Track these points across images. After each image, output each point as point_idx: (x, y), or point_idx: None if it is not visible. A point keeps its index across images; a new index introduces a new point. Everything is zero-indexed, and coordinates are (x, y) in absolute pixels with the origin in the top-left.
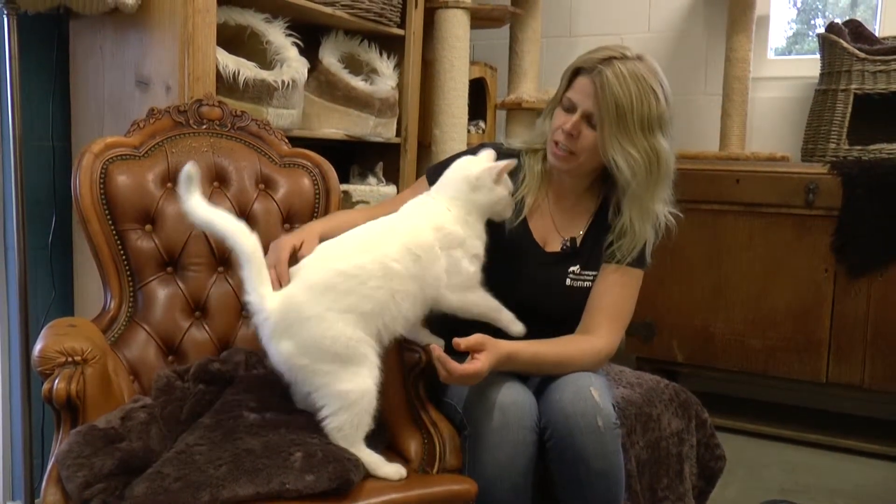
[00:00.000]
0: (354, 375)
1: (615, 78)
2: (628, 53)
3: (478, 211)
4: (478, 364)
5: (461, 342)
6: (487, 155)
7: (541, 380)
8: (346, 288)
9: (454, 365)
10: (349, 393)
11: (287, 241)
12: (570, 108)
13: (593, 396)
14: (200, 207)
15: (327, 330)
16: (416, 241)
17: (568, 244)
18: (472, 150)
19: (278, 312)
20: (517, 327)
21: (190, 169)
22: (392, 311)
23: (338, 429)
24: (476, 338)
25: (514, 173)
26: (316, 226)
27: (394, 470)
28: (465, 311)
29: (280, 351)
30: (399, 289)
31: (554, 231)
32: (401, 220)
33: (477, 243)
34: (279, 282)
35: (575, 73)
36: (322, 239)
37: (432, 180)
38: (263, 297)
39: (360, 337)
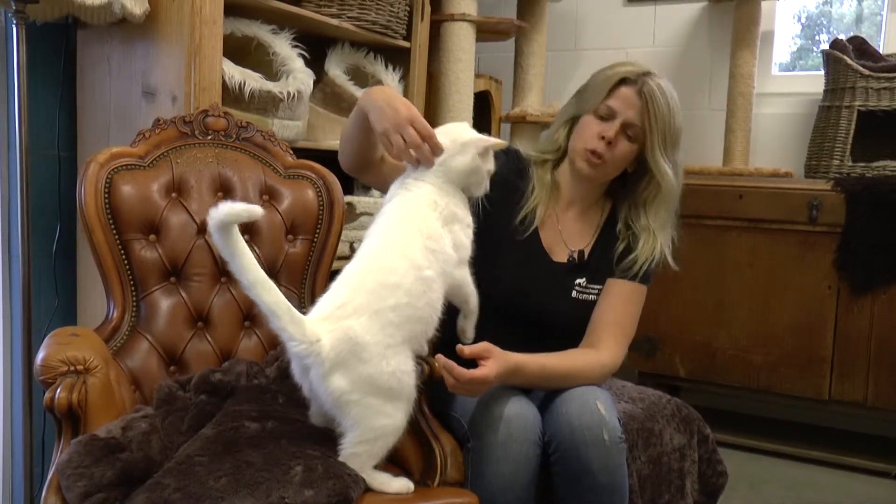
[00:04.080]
0: (395, 410)
1: (658, 91)
2: (653, 70)
3: (456, 177)
4: (485, 370)
5: (466, 349)
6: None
7: (545, 394)
8: (402, 318)
9: (461, 370)
10: (384, 427)
11: (415, 114)
12: (609, 117)
13: (599, 410)
14: (252, 269)
15: (386, 366)
16: (428, 232)
17: (574, 256)
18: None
19: (335, 351)
20: (471, 328)
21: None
22: (434, 320)
23: (355, 454)
24: (482, 345)
25: (524, 185)
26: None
27: (403, 485)
28: (459, 288)
29: (333, 388)
30: (436, 295)
31: (562, 243)
32: (403, 217)
33: (466, 211)
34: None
35: (619, 83)
36: None
37: None
38: (312, 341)
39: (411, 369)
